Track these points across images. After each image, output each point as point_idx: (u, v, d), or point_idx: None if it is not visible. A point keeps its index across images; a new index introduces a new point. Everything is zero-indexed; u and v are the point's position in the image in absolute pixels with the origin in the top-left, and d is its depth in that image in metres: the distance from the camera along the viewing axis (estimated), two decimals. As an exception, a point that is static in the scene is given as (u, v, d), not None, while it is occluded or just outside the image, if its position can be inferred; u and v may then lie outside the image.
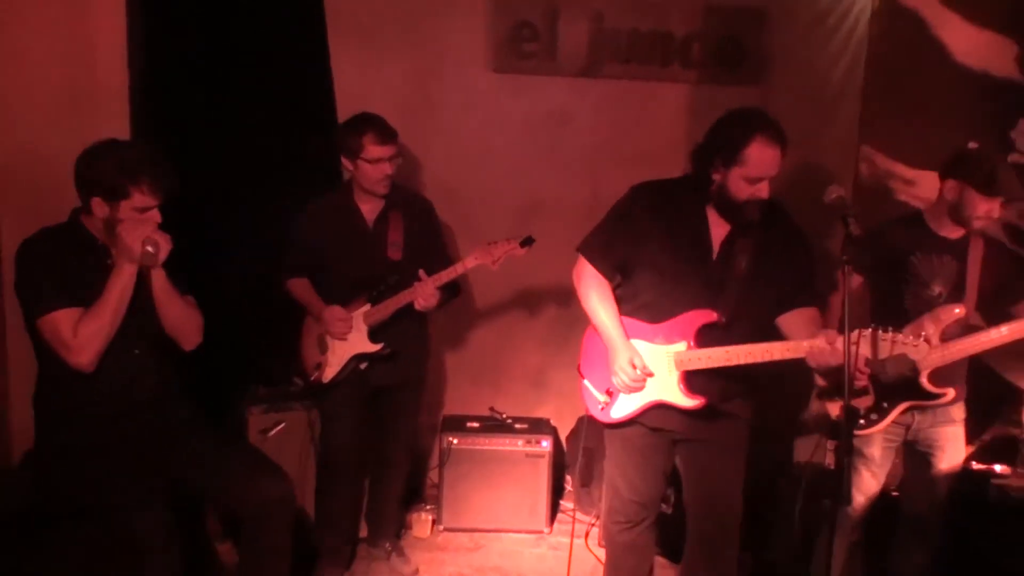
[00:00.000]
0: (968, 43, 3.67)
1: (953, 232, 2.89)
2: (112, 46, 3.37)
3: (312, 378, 3.33)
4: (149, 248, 2.53)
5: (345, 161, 3.25)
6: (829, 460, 3.12)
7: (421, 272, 3.16)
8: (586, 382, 2.82)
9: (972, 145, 3.48)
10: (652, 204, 2.67)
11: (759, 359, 2.54)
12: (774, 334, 2.66)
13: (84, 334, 2.54)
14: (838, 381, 2.76)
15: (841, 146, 3.82)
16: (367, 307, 3.24)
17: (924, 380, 2.80)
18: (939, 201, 2.89)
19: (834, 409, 2.95)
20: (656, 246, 2.64)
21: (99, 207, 2.56)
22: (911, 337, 2.36)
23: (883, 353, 2.41)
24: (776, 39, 4.14)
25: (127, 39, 3.36)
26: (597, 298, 2.71)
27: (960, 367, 2.90)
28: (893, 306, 2.84)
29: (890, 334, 2.37)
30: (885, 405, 2.89)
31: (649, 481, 2.82)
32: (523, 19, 4.06)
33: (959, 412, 2.98)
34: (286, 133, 3.66)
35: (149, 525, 2.48)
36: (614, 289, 2.75)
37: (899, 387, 2.84)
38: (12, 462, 3.22)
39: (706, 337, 2.60)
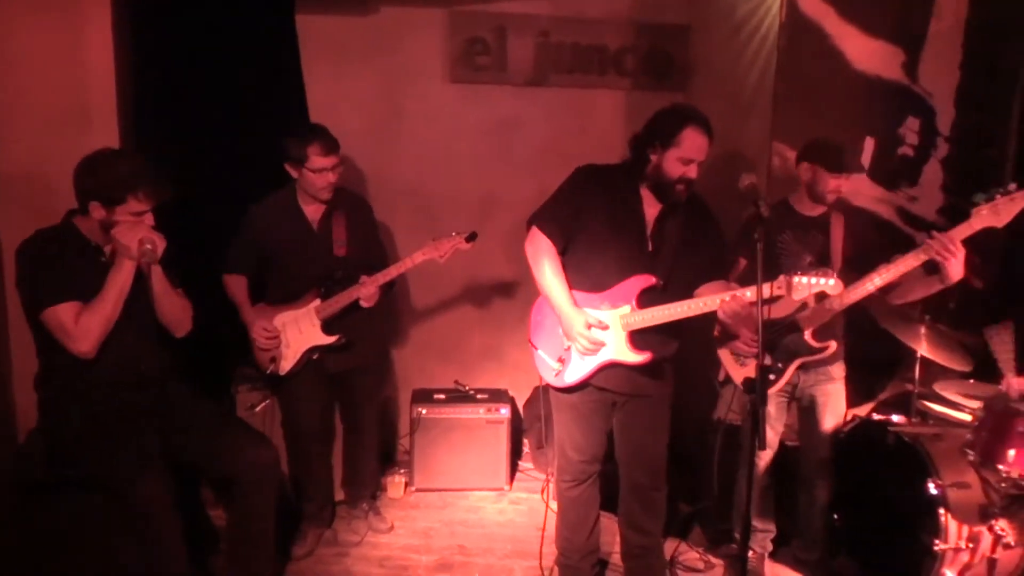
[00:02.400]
0: (863, 51, 3.75)
1: (814, 210, 2.99)
2: (101, 67, 3.34)
3: (268, 371, 3.20)
4: (148, 246, 2.52)
5: (289, 168, 3.12)
6: (731, 417, 3.19)
7: (363, 277, 3.12)
8: (540, 352, 2.81)
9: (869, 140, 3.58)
10: (594, 182, 2.72)
11: (698, 311, 2.60)
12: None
13: (85, 324, 2.53)
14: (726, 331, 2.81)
15: (756, 142, 3.87)
16: (318, 302, 3.16)
17: (808, 336, 2.88)
18: (799, 185, 3.00)
19: (732, 371, 2.99)
20: (597, 220, 2.68)
21: (96, 210, 2.54)
22: (821, 276, 2.41)
23: (801, 294, 2.45)
24: (698, 50, 4.22)
25: (115, 61, 3.33)
26: (549, 268, 2.69)
27: (836, 325, 2.97)
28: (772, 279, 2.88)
29: (802, 277, 2.41)
30: (780, 365, 2.95)
31: (592, 441, 2.86)
32: (476, 35, 4.09)
33: (838, 371, 3.06)
34: (263, 140, 3.61)
35: (148, 490, 2.45)
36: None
37: (789, 349, 2.93)
38: (17, 441, 3.17)
39: (646, 299, 2.65)
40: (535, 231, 2.74)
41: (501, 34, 4.10)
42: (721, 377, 3.13)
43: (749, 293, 2.45)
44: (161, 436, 2.66)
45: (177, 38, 3.51)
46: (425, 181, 4.13)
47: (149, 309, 2.72)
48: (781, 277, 2.43)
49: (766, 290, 2.43)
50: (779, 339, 2.92)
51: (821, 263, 2.92)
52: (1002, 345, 3.16)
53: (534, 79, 4.16)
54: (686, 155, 2.56)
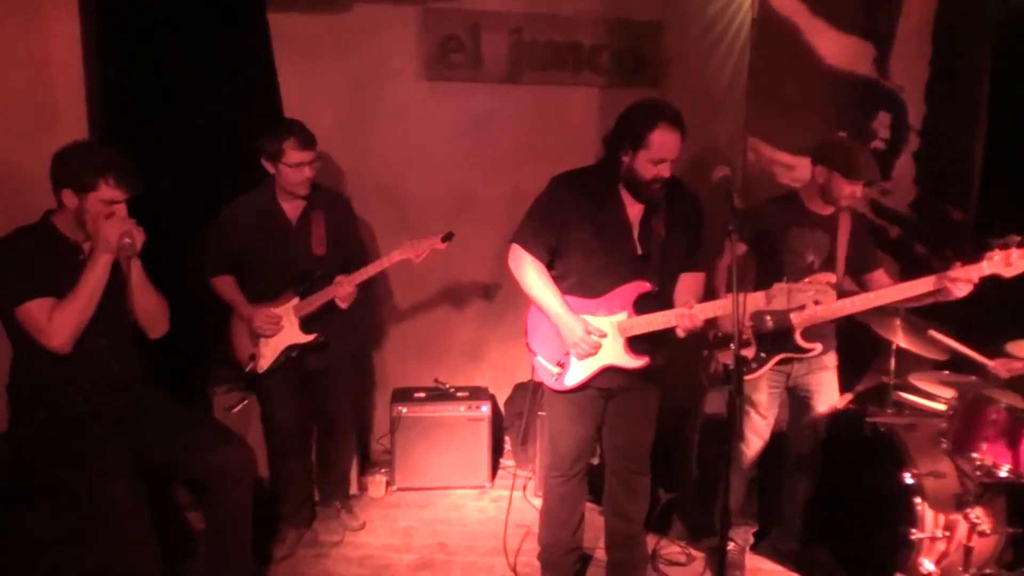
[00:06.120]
0: (834, 46, 3.77)
1: (824, 209, 2.94)
2: (69, 65, 3.28)
3: (247, 369, 3.18)
4: (127, 240, 2.52)
5: (267, 164, 3.09)
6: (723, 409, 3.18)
7: (340, 277, 3.08)
8: (538, 358, 2.78)
9: (842, 134, 3.57)
10: (572, 190, 2.67)
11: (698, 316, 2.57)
12: None
13: (59, 319, 2.50)
14: (725, 335, 2.84)
15: (731, 138, 3.88)
16: (296, 300, 3.14)
17: (798, 336, 2.88)
18: (811, 183, 2.95)
19: (723, 358, 2.98)
20: (581, 228, 2.64)
21: (69, 198, 2.54)
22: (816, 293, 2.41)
23: (789, 303, 2.44)
24: (672, 47, 4.21)
25: (83, 59, 3.26)
26: (538, 280, 2.67)
27: (828, 325, 2.97)
28: (773, 274, 2.82)
29: (788, 284, 2.41)
30: (764, 355, 2.94)
31: (586, 436, 2.84)
32: (450, 33, 4.05)
33: (831, 360, 3.06)
34: (236, 138, 3.56)
35: (120, 492, 2.40)
36: (549, 271, 2.72)
37: (776, 341, 2.91)
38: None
39: (641, 305, 2.64)
40: (516, 248, 2.71)
41: (475, 32, 4.07)
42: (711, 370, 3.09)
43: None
44: (133, 439, 2.61)
45: (147, 35, 3.44)
46: (399, 179, 4.09)
47: (125, 310, 2.69)
48: (779, 286, 2.41)
49: (761, 299, 2.44)
50: (768, 330, 2.90)
51: (825, 265, 2.91)
52: None
53: (508, 76, 4.13)
54: (656, 156, 2.52)
